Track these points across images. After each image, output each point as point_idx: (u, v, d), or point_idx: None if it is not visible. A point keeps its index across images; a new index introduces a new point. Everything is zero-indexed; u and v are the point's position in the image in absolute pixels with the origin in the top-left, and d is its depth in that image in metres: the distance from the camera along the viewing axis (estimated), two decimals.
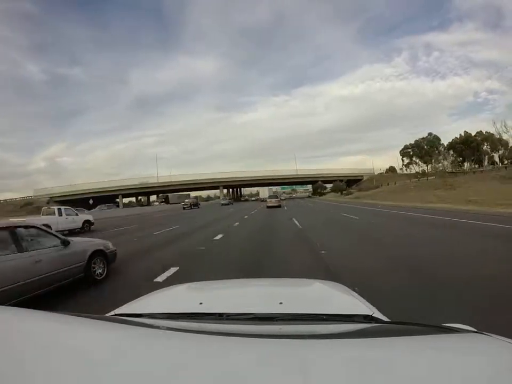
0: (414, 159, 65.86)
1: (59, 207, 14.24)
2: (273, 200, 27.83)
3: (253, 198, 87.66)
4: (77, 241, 4.51)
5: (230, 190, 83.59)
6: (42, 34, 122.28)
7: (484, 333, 0.72)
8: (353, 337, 0.75)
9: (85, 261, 4.38)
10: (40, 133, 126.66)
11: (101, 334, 0.71)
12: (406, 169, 67.69)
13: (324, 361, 0.55)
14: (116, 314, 1.04)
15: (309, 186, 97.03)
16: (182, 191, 68.97)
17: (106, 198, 51.51)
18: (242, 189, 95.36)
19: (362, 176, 66.69)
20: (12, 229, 3.64)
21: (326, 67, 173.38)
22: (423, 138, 64.46)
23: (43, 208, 14.98)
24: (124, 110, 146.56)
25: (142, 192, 51.56)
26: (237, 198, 79.16)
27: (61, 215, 13.72)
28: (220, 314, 0.98)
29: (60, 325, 0.75)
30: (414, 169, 65.69)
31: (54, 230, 10.82)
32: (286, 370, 0.51)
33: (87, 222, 15.10)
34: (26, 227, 3.94)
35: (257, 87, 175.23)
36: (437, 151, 59.40)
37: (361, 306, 1.11)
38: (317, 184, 70.42)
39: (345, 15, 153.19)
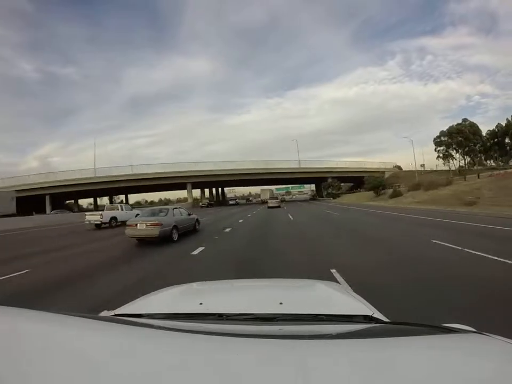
0: (449, 150, 53.31)
1: (120, 204, 20.39)
2: (273, 201, 31.71)
3: (255, 200, 78.01)
4: (192, 215, 10.82)
5: (206, 190, 64.82)
6: (33, 32, 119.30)
7: (484, 333, 0.73)
8: (353, 338, 0.76)
9: (194, 222, 10.81)
10: (30, 132, 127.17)
11: (101, 334, 0.72)
12: (444, 163, 54.39)
13: (324, 362, 0.56)
14: (116, 314, 1.06)
15: (307, 187, 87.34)
16: (135, 191, 52.07)
17: (32, 199, 37.79)
18: (229, 189, 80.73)
19: (383, 172, 51.91)
20: (178, 208, 10.08)
21: (320, 70, 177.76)
22: (458, 124, 52.11)
23: (106, 205, 21.06)
24: (116, 110, 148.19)
25: (76, 191, 39.97)
26: (221, 201, 60.74)
27: (122, 210, 19.69)
28: (220, 315, 1.00)
29: (59, 325, 0.76)
30: (453, 163, 53.76)
31: (119, 219, 16.88)
32: (286, 370, 0.52)
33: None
34: (178, 208, 10.22)
35: (251, 89, 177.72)
36: (480, 140, 50.10)
37: (361, 307, 1.11)
38: (327, 182, 50.84)
39: (340, 18, 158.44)
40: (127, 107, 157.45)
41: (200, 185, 54.39)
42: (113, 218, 17.86)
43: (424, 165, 55.36)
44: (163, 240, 8.38)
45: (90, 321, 0.84)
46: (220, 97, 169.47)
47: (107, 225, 16.97)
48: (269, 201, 32.64)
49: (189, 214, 10.55)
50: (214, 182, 54.26)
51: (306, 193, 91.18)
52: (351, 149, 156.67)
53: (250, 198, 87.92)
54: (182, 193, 75.66)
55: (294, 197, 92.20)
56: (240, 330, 0.81)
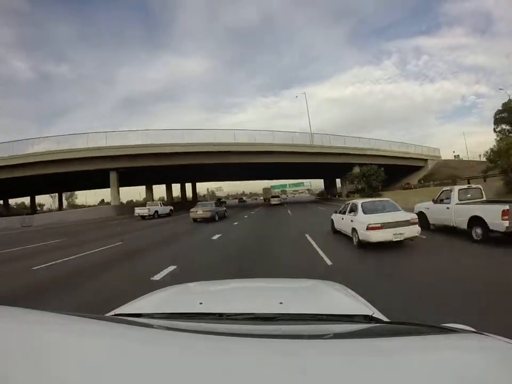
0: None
1: (160, 201, 27.27)
2: (275, 199, 36.32)
3: (259, 199, 69.66)
4: (223, 207, 18.20)
5: (160, 187, 43.21)
6: (26, 30, 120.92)
7: (484, 333, 0.73)
8: (353, 337, 0.77)
9: (224, 211, 18.03)
10: (23, 132, 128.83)
11: (101, 334, 0.73)
12: None
13: (324, 361, 0.57)
14: (115, 314, 1.07)
15: (306, 185, 74.57)
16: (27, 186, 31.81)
17: None
18: (217, 187, 68.32)
19: (426, 160, 39.06)
20: (214, 202, 17.19)
21: (316, 69, 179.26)
22: None
23: (148, 202, 27.70)
24: (110, 109, 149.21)
25: None
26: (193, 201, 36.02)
27: (161, 206, 26.27)
28: (220, 314, 1.01)
29: (59, 325, 0.77)
30: None
31: (159, 213, 23.67)
32: (286, 370, 0.52)
33: (171, 210, 27.56)
34: (214, 201, 17.08)
35: (247, 88, 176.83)
36: None
37: (361, 306, 1.12)
38: (351, 174, 29.30)
39: (336, 17, 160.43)
40: (120, 106, 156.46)
41: (142, 175, 31.02)
42: (156, 211, 24.30)
43: (458, 155, 44.11)
44: (210, 220, 15.17)
45: (90, 321, 0.84)
46: (215, 97, 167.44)
47: (151, 216, 23.09)
48: (271, 199, 37.71)
49: (221, 206, 17.46)
50: (163, 170, 30.47)
51: (303, 191, 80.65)
52: None
53: (256, 197, 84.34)
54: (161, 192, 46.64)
55: (295, 195, 79.44)
56: (240, 330, 0.83)
